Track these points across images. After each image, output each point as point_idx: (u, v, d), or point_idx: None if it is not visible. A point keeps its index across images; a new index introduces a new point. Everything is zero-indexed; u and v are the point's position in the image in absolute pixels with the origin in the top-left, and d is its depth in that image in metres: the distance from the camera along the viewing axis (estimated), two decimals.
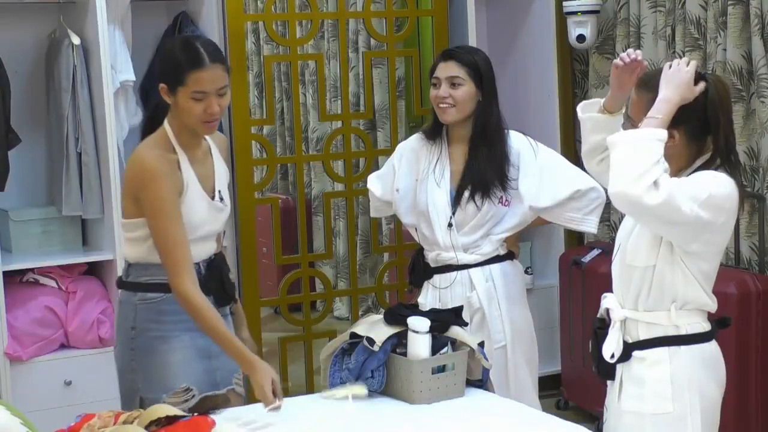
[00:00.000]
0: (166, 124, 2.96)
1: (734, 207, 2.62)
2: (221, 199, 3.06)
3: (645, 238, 2.67)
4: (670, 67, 2.63)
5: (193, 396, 2.87)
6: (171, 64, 2.91)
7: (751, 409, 4.05)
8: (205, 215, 2.98)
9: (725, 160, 2.64)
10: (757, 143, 4.29)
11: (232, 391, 3.03)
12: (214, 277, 3.04)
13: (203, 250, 3.02)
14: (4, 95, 4.32)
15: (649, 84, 2.68)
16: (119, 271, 3.25)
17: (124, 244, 3.06)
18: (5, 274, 4.22)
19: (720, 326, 2.76)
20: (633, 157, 2.50)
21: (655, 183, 2.47)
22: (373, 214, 3.99)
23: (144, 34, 4.76)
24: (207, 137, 3.07)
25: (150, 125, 3.02)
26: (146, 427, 2.45)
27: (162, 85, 2.92)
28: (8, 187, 4.37)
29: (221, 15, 4.61)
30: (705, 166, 2.65)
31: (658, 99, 2.59)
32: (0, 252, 4.28)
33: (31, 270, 4.37)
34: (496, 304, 3.57)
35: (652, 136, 2.52)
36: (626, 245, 2.73)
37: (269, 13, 4.84)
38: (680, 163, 2.67)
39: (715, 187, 2.56)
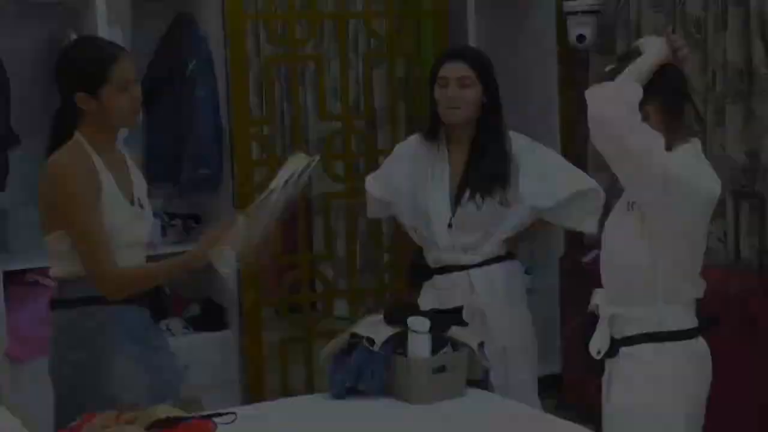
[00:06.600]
0: (77, 134, 2.87)
1: (691, 181, 2.60)
2: (141, 206, 2.97)
3: (626, 237, 2.68)
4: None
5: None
6: (88, 67, 2.84)
7: (752, 409, 4.04)
8: (126, 217, 2.89)
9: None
10: (757, 143, 4.28)
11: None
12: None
13: (131, 259, 2.90)
14: (4, 95, 4.32)
15: None
16: None
17: (51, 263, 2.92)
18: (5, 274, 4.22)
19: (707, 324, 2.77)
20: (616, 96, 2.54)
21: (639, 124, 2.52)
22: (370, 215, 3.98)
23: (144, 34, 4.76)
24: (122, 150, 3.02)
25: (54, 146, 2.89)
26: (147, 429, 2.45)
27: (80, 95, 2.82)
28: (8, 188, 4.37)
29: (221, 15, 4.61)
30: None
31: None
32: (0, 252, 4.28)
33: (32, 270, 4.36)
34: (496, 305, 3.56)
35: (631, 90, 2.56)
36: (607, 244, 2.75)
37: (269, 13, 4.84)
38: None
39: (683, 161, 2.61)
